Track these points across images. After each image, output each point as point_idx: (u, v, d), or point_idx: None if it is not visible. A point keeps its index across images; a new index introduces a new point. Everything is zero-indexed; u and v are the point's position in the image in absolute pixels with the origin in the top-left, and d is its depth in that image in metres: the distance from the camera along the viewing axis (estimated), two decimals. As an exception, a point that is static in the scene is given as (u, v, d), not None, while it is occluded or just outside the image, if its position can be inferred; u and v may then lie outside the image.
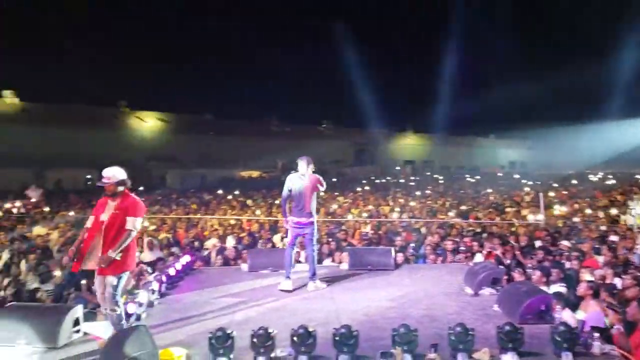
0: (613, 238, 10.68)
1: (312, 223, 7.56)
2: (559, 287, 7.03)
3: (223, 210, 18.46)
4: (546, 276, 7.45)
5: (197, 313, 6.44)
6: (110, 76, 43.50)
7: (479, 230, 13.00)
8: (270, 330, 4.69)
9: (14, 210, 21.47)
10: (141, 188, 26.54)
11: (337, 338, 4.70)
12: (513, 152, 59.66)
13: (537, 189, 22.86)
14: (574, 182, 30.76)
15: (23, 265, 9.89)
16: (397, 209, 17.82)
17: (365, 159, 56.05)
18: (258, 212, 17.75)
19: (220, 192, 26.33)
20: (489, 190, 25.83)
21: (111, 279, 5.19)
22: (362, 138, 57.55)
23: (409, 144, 57.08)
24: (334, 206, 19.18)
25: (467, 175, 38.13)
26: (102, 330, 5.43)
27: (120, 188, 5.41)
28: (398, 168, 50.49)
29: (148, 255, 10.26)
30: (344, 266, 8.96)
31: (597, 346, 4.74)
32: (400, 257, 9.36)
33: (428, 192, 26.46)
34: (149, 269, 8.40)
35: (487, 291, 7.00)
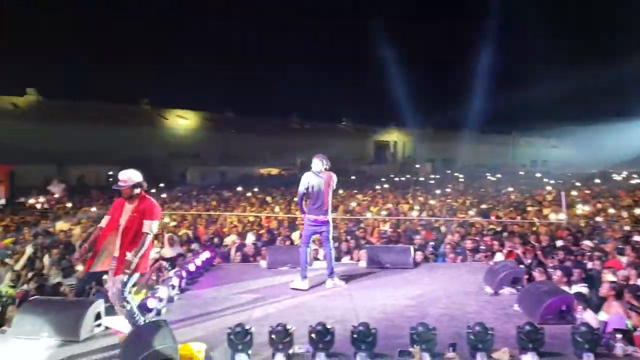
0: (637, 238, 10.48)
1: (328, 221, 7.55)
2: (581, 288, 6.94)
3: (242, 207, 18.57)
4: (567, 276, 7.35)
5: (216, 309, 6.49)
6: (133, 74, 43.97)
7: (499, 229, 12.88)
8: (288, 327, 4.70)
9: (38, 206, 21.90)
10: (162, 185, 26.87)
11: (355, 336, 4.69)
12: (535, 150, 58.95)
13: (559, 187, 22.56)
14: (597, 181, 30.30)
15: (46, 259, 10.07)
16: (417, 207, 17.73)
17: (385, 156, 55.85)
18: (277, 209, 17.82)
19: (239, 189, 26.49)
20: (510, 189, 25.56)
21: (121, 277, 5.19)
22: (382, 136, 57.40)
23: (429, 142, 56.64)
24: (353, 204, 19.16)
25: (488, 174, 37.72)
26: (122, 324, 5.50)
27: (137, 191, 5.40)
28: (418, 166, 50.17)
29: (168, 251, 10.36)
30: (362, 264, 8.95)
31: (619, 348, 4.66)
32: (419, 255, 9.32)
33: (448, 190, 26.27)
34: (167, 265, 8.48)
35: (507, 290, 6.93)
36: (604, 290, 6.46)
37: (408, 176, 40.68)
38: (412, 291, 7.20)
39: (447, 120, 48.60)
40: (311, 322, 4.89)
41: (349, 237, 11.03)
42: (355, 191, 25.27)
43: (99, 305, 5.71)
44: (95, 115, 40.38)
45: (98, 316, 5.67)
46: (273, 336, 4.68)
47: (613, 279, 7.03)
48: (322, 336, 4.68)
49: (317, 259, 9.38)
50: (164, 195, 22.87)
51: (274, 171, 44.10)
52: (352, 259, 9.79)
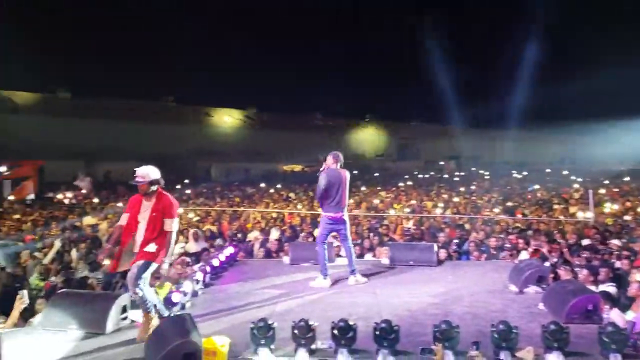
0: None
1: (345, 219, 7.55)
2: (608, 287, 6.81)
3: (265, 203, 18.67)
4: (594, 275, 7.23)
5: (239, 303, 6.54)
6: (159, 72, 44.45)
7: (524, 227, 12.72)
8: (310, 323, 4.72)
9: (66, 201, 22.34)
10: (187, 181, 27.18)
11: (377, 332, 4.69)
12: (562, 147, 57.94)
13: (587, 185, 22.18)
14: (626, 179, 29.67)
15: (74, 253, 10.27)
16: (441, 205, 17.61)
17: (408, 153, 55.52)
18: (300, 205, 17.88)
19: (263, 185, 26.61)
20: (536, 187, 25.20)
21: (139, 262, 5.28)
22: (406, 132, 57.05)
23: (453, 139, 56.11)
24: (376, 201, 19.11)
25: (513, 171, 37.22)
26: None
27: (153, 187, 5.43)
28: (442, 163, 49.78)
29: (193, 246, 10.48)
30: (385, 261, 8.92)
31: (648, 348, 4.58)
32: (443, 253, 9.26)
33: (473, 187, 26.02)
34: (189, 260, 8.57)
35: (532, 289, 6.84)
36: (632, 290, 6.33)
37: (432, 173, 40.40)
38: (435, 289, 7.16)
39: (473, 117, 48.07)
40: (333, 318, 4.90)
41: (371, 234, 11.00)
42: (379, 188, 25.20)
43: (125, 299, 5.81)
44: (122, 112, 40.97)
45: (124, 309, 5.77)
46: (295, 331, 4.70)
47: (642, 278, 6.89)
48: (344, 332, 4.69)
49: (340, 256, 9.37)
50: (188, 191, 23.14)
51: (297, 167, 44.22)
52: (374, 256, 9.76)
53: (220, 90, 44.20)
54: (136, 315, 5.76)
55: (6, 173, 24.54)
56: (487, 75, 45.24)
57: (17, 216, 16.67)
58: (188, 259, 8.57)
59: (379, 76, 50.84)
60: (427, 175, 38.02)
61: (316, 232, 11.73)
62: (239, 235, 11.90)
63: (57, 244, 10.18)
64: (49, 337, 5.37)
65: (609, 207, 16.33)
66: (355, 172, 37.07)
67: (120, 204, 18.48)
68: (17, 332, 5.59)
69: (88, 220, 14.89)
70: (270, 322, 4.74)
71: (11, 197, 22.59)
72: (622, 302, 6.30)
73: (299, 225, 13.50)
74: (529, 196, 21.46)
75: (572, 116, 44.77)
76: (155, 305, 5.44)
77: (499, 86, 44.87)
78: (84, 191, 25.70)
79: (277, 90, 45.71)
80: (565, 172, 35.75)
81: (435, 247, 8.97)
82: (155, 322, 5.27)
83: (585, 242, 10.35)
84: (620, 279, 7.32)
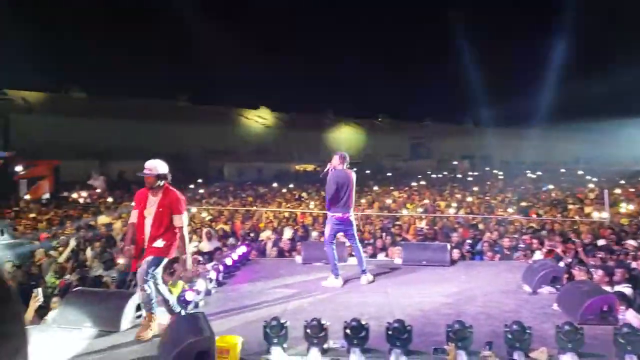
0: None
1: (352, 219, 7.57)
2: (624, 288, 6.74)
3: (278, 203, 18.71)
4: (609, 276, 7.15)
5: (252, 302, 6.57)
6: (173, 72, 44.75)
7: (538, 227, 12.62)
8: (323, 322, 4.73)
9: (80, 200, 22.55)
10: (200, 180, 27.32)
11: (390, 332, 4.68)
12: (577, 146, 57.38)
13: (602, 185, 21.94)
14: (643, 179, 29.29)
15: (89, 252, 10.37)
16: (454, 205, 17.53)
17: (421, 153, 55.34)
18: (312, 205, 17.88)
19: (275, 185, 26.67)
20: (551, 187, 25.00)
21: (148, 258, 5.29)
22: (418, 132, 56.86)
23: (466, 138, 55.79)
24: (389, 200, 19.07)
25: (527, 171, 36.94)
26: (162, 316, 5.62)
27: (160, 182, 5.43)
28: (455, 163, 49.55)
29: (206, 246, 10.53)
30: (398, 261, 8.90)
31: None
32: (456, 253, 9.21)
33: (486, 187, 25.86)
34: (201, 258, 8.62)
35: (546, 290, 6.79)
36: (649, 291, 6.26)
37: (445, 173, 40.23)
38: (448, 289, 7.14)
39: (487, 116, 47.83)
40: (346, 317, 4.90)
41: (384, 234, 10.98)
42: (391, 188, 25.14)
43: (139, 297, 5.85)
44: (137, 112, 41.26)
45: (138, 308, 5.80)
46: (308, 330, 4.71)
47: (658, 279, 6.82)
48: (357, 332, 4.69)
49: (352, 256, 9.36)
50: (201, 191, 23.25)
51: (309, 167, 44.27)
52: (387, 256, 9.75)
53: (233, 90, 44.36)
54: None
55: (22, 173, 24.81)
56: (502, 75, 44.97)
57: (32, 215, 16.86)
58: (200, 258, 8.63)
59: (391, 75, 50.74)
60: (440, 175, 37.83)
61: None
62: (252, 235, 11.94)
63: (72, 242, 10.29)
64: (63, 335, 5.42)
65: (624, 207, 16.15)
66: (367, 171, 37.13)
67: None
68: (32, 330, 5.66)
69: (102, 219, 15.02)
70: (282, 321, 4.75)
71: (27, 197, 22.83)
72: (638, 303, 6.23)
73: (311, 225, 13.50)
74: (543, 196, 21.28)
75: (588, 115, 44.33)
76: (167, 301, 5.48)
77: (513, 86, 44.63)
78: (98, 190, 25.92)
79: (290, 90, 45.81)
80: (580, 172, 35.42)
81: (448, 247, 8.93)
82: (156, 324, 5.26)
83: (601, 242, 10.24)
84: (636, 280, 7.24)
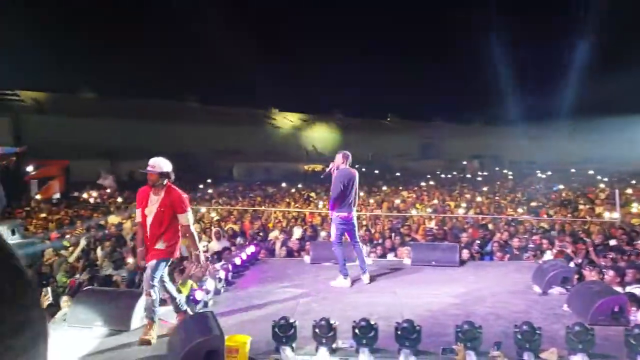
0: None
1: (354, 219, 7.60)
2: (635, 289, 6.68)
3: (286, 203, 18.73)
4: (621, 276, 7.09)
5: (261, 302, 6.58)
6: (182, 73, 45.02)
7: (548, 227, 12.54)
8: (332, 322, 4.73)
9: (91, 200, 22.69)
10: (209, 180, 27.42)
11: (399, 332, 4.68)
12: (588, 146, 56.99)
13: (613, 185, 21.77)
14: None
15: (99, 251, 10.43)
16: (464, 205, 17.46)
17: (430, 152, 55.16)
18: (320, 204, 17.88)
19: (284, 185, 26.70)
20: (561, 187, 24.84)
21: (152, 262, 5.21)
22: (427, 131, 56.69)
23: (476, 138, 55.55)
24: (398, 201, 19.02)
25: (538, 171, 36.71)
26: (172, 315, 5.65)
27: (163, 180, 5.33)
28: (465, 163, 49.34)
29: (216, 245, 10.56)
30: (407, 261, 8.87)
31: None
32: (465, 253, 9.17)
33: (496, 187, 25.75)
34: (209, 257, 8.64)
35: (556, 290, 6.75)
36: (660, 291, 6.20)
37: (454, 173, 40.08)
38: (457, 289, 7.11)
39: (495, 115, 47.68)
40: (355, 317, 4.90)
41: (393, 234, 10.96)
42: (401, 188, 25.09)
43: (144, 302, 5.87)
44: (147, 113, 41.49)
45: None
46: (317, 330, 4.71)
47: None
48: (365, 332, 4.69)
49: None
50: (210, 191, 23.33)
51: (318, 167, 44.29)
52: (396, 256, 9.72)
53: (242, 91, 44.56)
54: (162, 313, 5.84)
55: (33, 173, 24.99)
56: (513, 75, 44.75)
57: (43, 215, 16.98)
58: (208, 255, 8.66)
59: (400, 75, 50.68)
60: (449, 175, 37.70)
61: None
62: (261, 235, 11.96)
63: (83, 242, 10.35)
64: (74, 334, 5.46)
65: (636, 208, 16.01)
66: (376, 171, 37.09)
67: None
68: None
69: (113, 218, 15.09)
70: (291, 320, 4.76)
71: (38, 197, 22.99)
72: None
73: (320, 225, 13.50)
74: (554, 196, 21.15)
75: (598, 115, 44.05)
76: (175, 299, 5.49)
77: (524, 85, 44.40)
78: (108, 190, 26.07)
79: (298, 90, 45.89)
80: (590, 172, 35.18)
81: (458, 248, 8.90)
82: (155, 332, 5.20)
83: (612, 242, 10.17)
84: (647, 281, 7.18)
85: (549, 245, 9.68)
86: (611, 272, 7.12)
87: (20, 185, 23.09)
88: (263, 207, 17.52)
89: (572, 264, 7.95)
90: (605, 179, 28.62)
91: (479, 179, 33.37)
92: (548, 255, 9.09)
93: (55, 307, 6.50)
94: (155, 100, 44.19)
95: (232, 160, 41.88)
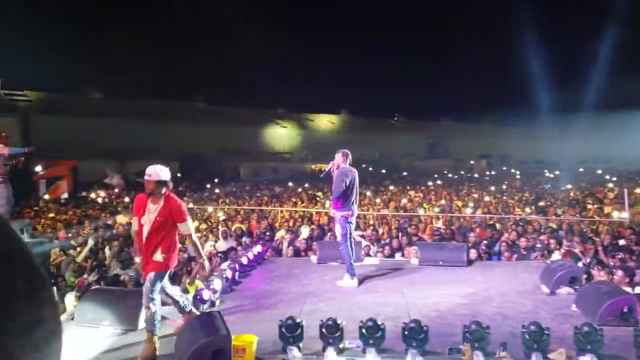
0: None
1: (355, 216, 7.60)
2: (645, 289, 6.64)
3: (293, 203, 18.73)
4: (630, 277, 7.04)
5: (267, 302, 6.59)
6: (190, 73, 45.24)
7: (556, 227, 12.48)
8: (338, 322, 4.72)
9: (99, 200, 22.80)
10: (216, 180, 27.50)
11: (406, 332, 4.66)
12: (596, 145, 56.66)
13: (622, 184, 21.63)
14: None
15: (107, 251, 10.48)
16: (471, 205, 17.39)
17: (438, 152, 55.02)
18: (327, 204, 17.87)
19: (290, 184, 26.71)
20: (569, 186, 24.71)
21: (150, 275, 5.05)
22: (435, 131, 56.55)
23: (484, 138, 55.33)
24: (405, 200, 18.99)
25: (545, 170, 36.55)
26: (174, 315, 5.66)
27: (161, 189, 5.13)
28: (472, 162, 49.19)
29: (222, 245, 10.59)
30: (414, 261, 8.85)
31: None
32: (473, 253, 9.14)
33: (504, 187, 25.65)
34: (221, 255, 8.66)
35: (564, 290, 6.71)
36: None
37: (462, 172, 39.98)
38: (465, 289, 7.08)
39: (503, 115, 47.48)
40: (361, 317, 4.89)
41: (400, 234, 10.94)
42: (408, 187, 25.05)
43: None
44: (154, 113, 41.64)
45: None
46: (324, 330, 4.71)
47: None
48: (372, 332, 4.68)
49: (369, 255, 9.36)
50: (217, 190, 23.39)
51: (325, 167, 44.24)
52: (403, 256, 9.70)
53: (250, 91, 44.66)
54: (168, 312, 5.85)
55: (41, 173, 25.13)
56: (520, 74, 44.64)
57: (51, 215, 17.07)
58: (217, 259, 8.68)
59: (408, 74, 50.62)
60: (456, 175, 37.60)
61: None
62: (268, 234, 11.97)
63: (90, 242, 10.40)
64: (82, 333, 5.49)
65: (645, 207, 15.90)
66: (383, 171, 37.05)
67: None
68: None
69: (120, 218, 15.15)
70: (298, 320, 4.76)
71: (46, 196, 23.12)
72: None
73: (327, 224, 13.50)
74: (562, 196, 21.04)
75: (607, 113, 43.80)
76: (178, 302, 5.47)
77: (531, 85, 44.24)
78: (116, 190, 26.19)
79: (306, 90, 45.93)
80: (599, 171, 34.99)
81: (466, 248, 8.86)
82: (157, 345, 5.04)
83: (621, 242, 10.10)
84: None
85: (557, 245, 9.63)
86: (620, 272, 7.07)
87: (28, 185, 23.22)
88: (270, 207, 17.53)
89: (580, 264, 7.91)
90: (614, 179, 28.43)
91: (487, 178, 33.27)
92: (556, 255, 9.05)
93: (61, 305, 6.54)
94: (162, 101, 44.33)
95: (239, 160, 41.97)
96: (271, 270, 8.51)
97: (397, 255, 9.79)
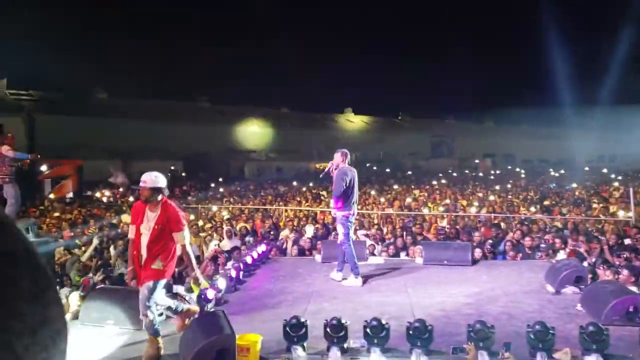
0: None
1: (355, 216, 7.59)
2: (650, 289, 6.60)
3: (297, 202, 18.73)
4: (635, 276, 7.01)
5: (272, 301, 6.59)
6: (194, 73, 45.33)
7: (561, 226, 12.43)
8: (343, 321, 4.72)
9: (104, 199, 22.87)
10: (220, 179, 27.54)
11: (411, 332, 4.65)
12: (602, 144, 56.46)
13: (628, 183, 21.52)
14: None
15: (112, 250, 10.50)
16: (476, 204, 17.35)
17: (442, 151, 54.94)
18: (332, 203, 17.85)
19: (295, 183, 26.72)
20: (574, 185, 24.62)
21: (148, 283, 4.97)
22: (439, 130, 56.47)
23: (489, 137, 55.19)
24: (409, 199, 18.95)
25: (550, 169, 36.44)
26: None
27: (157, 196, 5.05)
28: (477, 161, 49.10)
29: (227, 244, 10.59)
30: (419, 260, 8.84)
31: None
32: (478, 253, 9.12)
33: (509, 186, 25.58)
34: (223, 255, 8.67)
35: (569, 290, 6.69)
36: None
37: (467, 171, 39.91)
38: (469, 289, 7.06)
39: (507, 114, 47.44)
40: (366, 317, 4.89)
41: (405, 233, 10.92)
42: (412, 186, 25.01)
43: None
44: (159, 113, 41.71)
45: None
46: (328, 329, 4.70)
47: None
48: (377, 331, 4.67)
49: (373, 255, 9.35)
50: (222, 190, 23.43)
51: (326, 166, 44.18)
52: (408, 255, 9.69)
53: (252, 91, 44.75)
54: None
55: (46, 172, 25.20)
56: (524, 74, 44.53)
57: (57, 214, 17.13)
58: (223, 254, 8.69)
59: (412, 74, 50.57)
60: (461, 174, 37.53)
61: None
62: (272, 233, 11.96)
63: (95, 241, 10.43)
64: (86, 332, 5.50)
65: (651, 206, 15.81)
66: (387, 170, 37.00)
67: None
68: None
69: (125, 217, 15.17)
70: (302, 320, 4.75)
71: (51, 196, 23.18)
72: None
73: (331, 224, 13.49)
74: (567, 195, 20.96)
75: (612, 112, 43.67)
76: (171, 308, 5.42)
77: (536, 83, 44.16)
78: (120, 189, 26.25)
79: (308, 90, 45.96)
80: (604, 170, 34.86)
81: (471, 247, 8.84)
82: (161, 346, 4.99)
83: (626, 241, 10.05)
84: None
85: (562, 245, 9.59)
86: (625, 272, 7.04)
87: (33, 185, 23.29)
88: (274, 206, 17.54)
89: (585, 263, 7.88)
90: (620, 178, 28.31)
91: (492, 177, 33.19)
92: (561, 255, 9.01)
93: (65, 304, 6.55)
94: (166, 101, 44.41)
95: (243, 159, 42.02)
96: (275, 269, 8.52)
97: (402, 255, 9.78)
